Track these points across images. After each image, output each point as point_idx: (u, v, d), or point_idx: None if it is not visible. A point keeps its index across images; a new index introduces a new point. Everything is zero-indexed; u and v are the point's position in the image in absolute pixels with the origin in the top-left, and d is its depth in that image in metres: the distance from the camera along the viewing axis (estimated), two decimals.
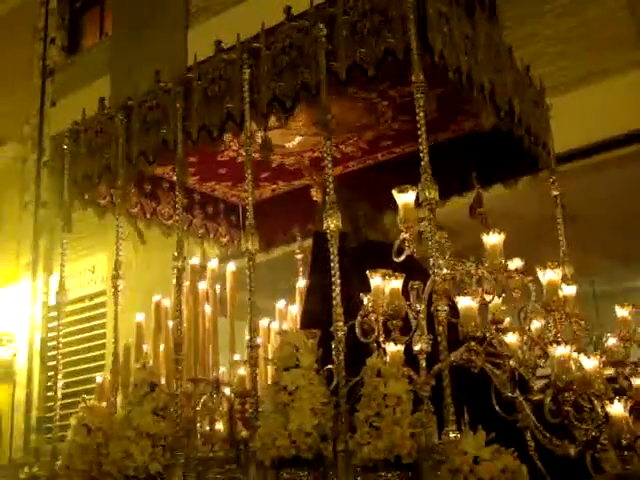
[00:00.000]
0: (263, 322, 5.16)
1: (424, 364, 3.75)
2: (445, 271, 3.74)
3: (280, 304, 5.34)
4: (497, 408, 3.70)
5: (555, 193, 5.12)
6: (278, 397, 3.75)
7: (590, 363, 3.76)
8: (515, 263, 4.60)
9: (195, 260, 4.68)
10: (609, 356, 4.32)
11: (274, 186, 5.84)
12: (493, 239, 3.94)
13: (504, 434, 3.51)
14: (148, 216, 5.47)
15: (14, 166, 13.82)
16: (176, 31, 12.47)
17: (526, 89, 5.01)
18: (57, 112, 13.41)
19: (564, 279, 4.69)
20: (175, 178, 4.67)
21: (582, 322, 4.61)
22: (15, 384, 12.18)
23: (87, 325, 11.40)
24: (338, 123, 5.11)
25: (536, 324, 4.44)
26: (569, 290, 4.57)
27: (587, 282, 8.91)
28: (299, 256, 5.85)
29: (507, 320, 4.17)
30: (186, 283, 4.61)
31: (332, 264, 3.92)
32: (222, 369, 4.73)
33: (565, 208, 5.11)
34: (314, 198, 5.40)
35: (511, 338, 3.82)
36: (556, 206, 5.11)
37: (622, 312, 4.43)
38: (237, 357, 4.61)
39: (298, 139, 5.24)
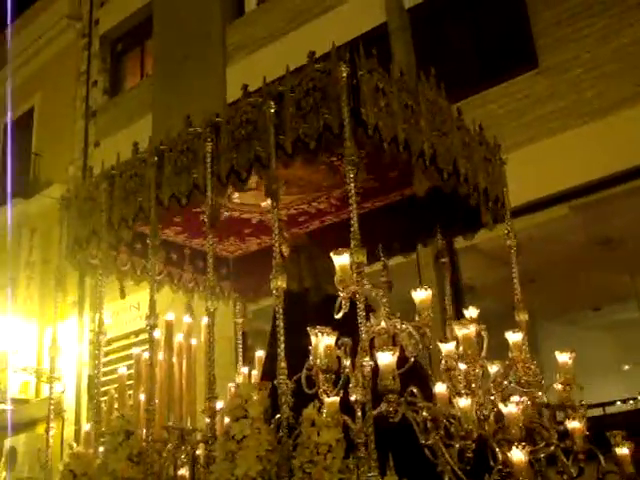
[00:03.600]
0: (244, 369, 5.58)
1: (359, 413, 4.11)
2: (372, 326, 4.10)
3: (259, 352, 5.74)
4: (424, 452, 4.05)
5: (509, 243, 5.44)
6: (227, 445, 4.16)
7: (508, 409, 4.08)
8: (471, 312, 4.96)
9: (170, 316, 5.12)
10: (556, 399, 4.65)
11: (259, 240, 6.27)
12: (421, 294, 4.29)
13: (429, 478, 3.88)
14: (138, 273, 5.93)
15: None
16: (215, 69, 12.95)
17: (477, 148, 5.35)
18: (100, 152, 13.98)
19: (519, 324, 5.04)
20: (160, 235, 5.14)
21: (531, 367, 4.92)
22: (64, 420, 12.61)
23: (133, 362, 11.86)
24: (306, 183, 5.60)
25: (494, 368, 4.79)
26: (516, 337, 4.89)
27: None
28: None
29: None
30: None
31: (277, 321, 4.32)
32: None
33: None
34: (283, 254, 5.80)
35: (440, 388, 4.17)
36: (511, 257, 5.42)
37: (563, 357, 4.73)
38: (220, 405, 5.02)
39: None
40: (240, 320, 6.38)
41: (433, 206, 5.56)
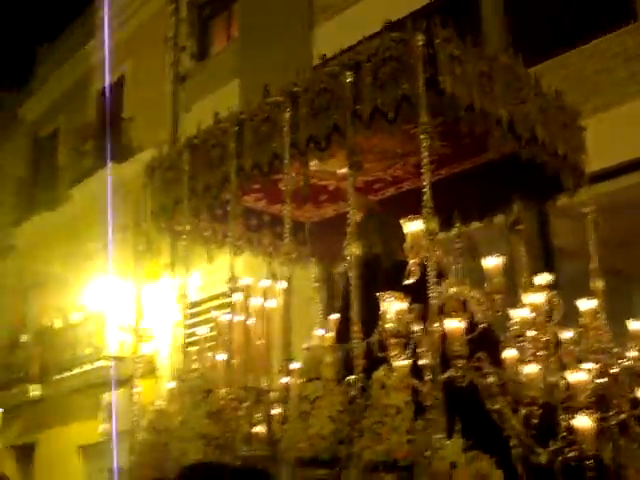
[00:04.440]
0: (320, 332, 5.71)
1: (428, 377, 4.21)
2: (442, 293, 4.18)
3: (334, 316, 5.85)
4: (491, 417, 4.13)
5: (586, 211, 5.40)
6: (300, 405, 4.34)
7: (576, 377, 4.10)
8: (542, 278, 4.97)
9: (247, 280, 5.30)
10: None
11: (334, 206, 6.37)
12: (492, 261, 4.33)
13: (496, 441, 3.96)
14: (220, 238, 6.12)
15: None
16: (300, 32, 13.01)
17: (555, 113, 5.29)
18: (190, 117, 14.05)
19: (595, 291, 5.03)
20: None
21: (603, 334, 4.91)
22: (157, 378, 12.99)
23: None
24: (382, 151, 5.66)
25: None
26: (588, 304, 4.89)
27: None
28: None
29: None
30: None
31: (351, 287, 4.44)
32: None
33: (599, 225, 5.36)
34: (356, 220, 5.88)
35: (509, 354, 4.22)
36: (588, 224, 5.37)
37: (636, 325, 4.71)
38: (295, 366, 5.18)
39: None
40: (317, 284, 6.50)
41: (511, 173, 5.54)
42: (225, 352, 5.15)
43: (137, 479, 5.02)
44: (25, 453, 17.16)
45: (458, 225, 5.84)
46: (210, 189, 5.43)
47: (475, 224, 6.24)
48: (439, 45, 4.50)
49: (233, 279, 5.08)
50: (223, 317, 5.32)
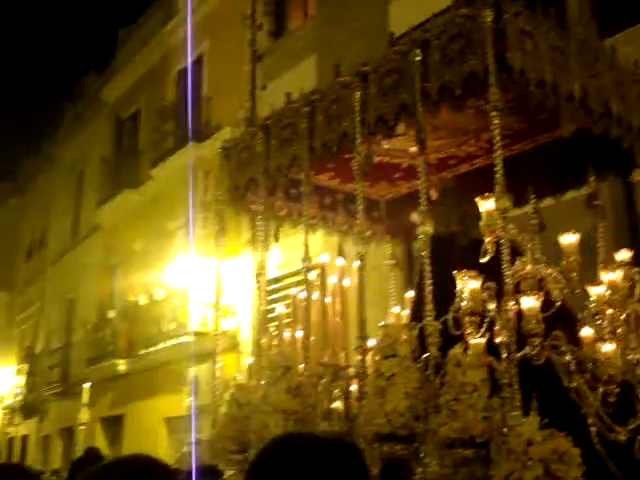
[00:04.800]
0: (395, 309, 5.78)
1: (505, 355, 4.22)
2: (517, 271, 4.17)
3: (410, 293, 5.91)
4: (568, 394, 4.12)
5: None
6: (377, 382, 4.40)
7: None
8: (622, 255, 4.91)
9: (324, 258, 5.38)
10: None
11: (409, 184, 6.37)
12: (568, 239, 4.30)
13: (573, 420, 3.96)
14: (295, 217, 6.21)
15: None
16: (378, 6, 12.95)
17: (632, 86, 5.18)
18: (267, 95, 14.18)
19: None
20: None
21: None
22: (240, 354, 13.36)
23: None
24: (454, 127, 5.64)
25: None
26: None
27: None
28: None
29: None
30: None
31: (425, 266, 4.47)
32: None
33: None
34: (432, 198, 5.88)
35: (586, 332, 4.20)
36: None
37: None
38: (372, 343, 5.26)
39: None
40: (392, 262, 6.54)
41: (586, 147, 5.46)
42: (302, 329, 5.25)
43: (218, 451, 5.17)
44: (114, 424, 17.74)
45: (533, 201, 5.76)
46: (283, 169, 5.51)
47: (551, 200, 6.16)
48: (508, 20, 4.44)
49: (308, 258, 5.16)
50: (300, 295, 5.41)
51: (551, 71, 4.56)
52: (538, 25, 4.60)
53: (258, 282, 5.62)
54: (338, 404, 4.88)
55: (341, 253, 5.74)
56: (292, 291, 5.61)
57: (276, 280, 11.44)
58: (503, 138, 5.58)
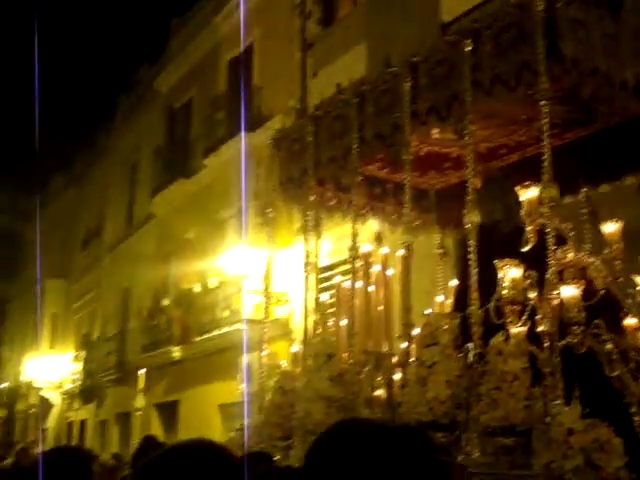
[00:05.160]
0: (440, 298, 5.79)
1: (547, 344, 4.21)
2: (560, 259, 4.15)
3: (453, 282, 5.90)
4: (611, 383, 4.10)
5: None
6: (419, 370, 4.44)
7: None
8: None
9: (367, 247, 5.42)
10: None
11: (458, 173, 6.34)
12: (611, 227, 4.27)
13: (615, 408, 3.94)
14: (344, 207, 6.24)
15: None
16: None
17: None
18: (318, 83, 14.11)
19: None
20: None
21: None
22: (292, 341, 13.46)
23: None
24: (505, 116, 5.61)
25: None
26: None
27: None
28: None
29: None
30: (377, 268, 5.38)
31: (469, 255, 4.48)
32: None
33: None
34: (477, 187, 5.86)
35: (629, 321, 4.17)
36: None
37: None
38: (415, 331, 5.29)
39: None
40: (440, 251, 6.53)
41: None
42: (347, 317, 5.30)
43: (264, 437, 5.26)
44: (169, 410, 18.00)
45: (585, 189, 5.70)
46: (334, 160, 5.55)
47: (607, 186, 6.08)
48: (560, 9, 4.41)
49: (354, 247, 5.20)
50: (345, 284, 5.46)
51: (604, 60, 4.51)
52: (590, 13, 4.55)
53: (306, 271, 5.68)
54: (380, 392, 4.93)
55: (380, 242, 5.77)
56: (336, 279, 5.65)
57: (327, 268, 11.49)
58: (555, 126, 5.57)
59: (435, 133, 5.73)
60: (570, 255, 4.28)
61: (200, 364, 16.35)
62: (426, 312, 4.93)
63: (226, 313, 15.44)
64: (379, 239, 5.81)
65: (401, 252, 5.35)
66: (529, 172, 5.44)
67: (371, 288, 5.36)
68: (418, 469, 1.73)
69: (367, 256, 5.39)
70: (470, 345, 4.41)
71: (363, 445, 1.71)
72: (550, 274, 4.08)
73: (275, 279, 13.76)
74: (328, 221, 6.35)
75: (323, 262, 10.78)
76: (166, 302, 18.28)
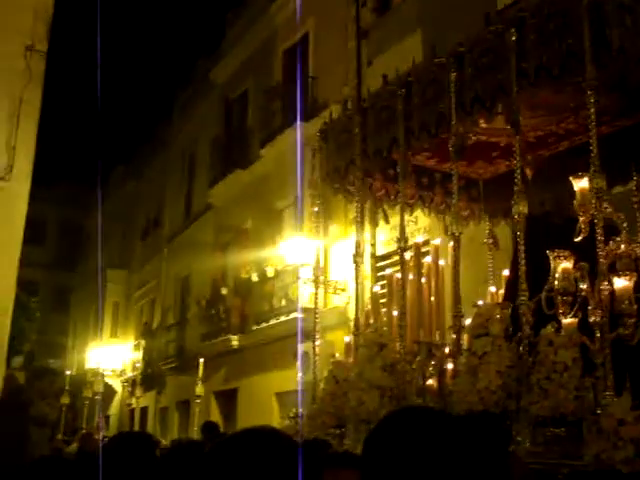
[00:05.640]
0: (492, 289, 5.79)
1: (598, 335, 4.20)
2: (612, 250, 4.14)
3: (505, 272, 5.89)
4: None
5: None
6: (469, 360, 4.47)
7: None
8: None
9: (419, 238, 5.45)
10: None
11: (507, 162, 6.32)
12: None
13: None
14: (392, 198, 6.27)
15: None
16: None
17: None
18: (373, 71, 14.11)
19: None
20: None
21: None
22: (349, 330, 13.46)
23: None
24: (552, 105, 5.57)
25: None
26: None
27: None
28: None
29: None
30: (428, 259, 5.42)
31: (519, 246, 4.49)
32: None
33: None
34: (528, 177, 5.83)
35: None
36: None
37: None
38: (467, 321, 5.30)
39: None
40: (490, 241, 6.52)
41: None
42: (398, 308, 5.35)
43: (317, 425, 5.34)
44: (228, 398, 18.23)
45: (635, 178, 5.64)
46: (380, 151, 5.59)
47: None
48: None
49: (404, 238, 5.24)
50: (396, 275, 5.51)
51: None
52: None
53: (355, 262, 5.73)
54: (432, 381, 4.97)
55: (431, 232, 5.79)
56: (388, 271, 5.70)
57: (383, 258, 11.51)
58: (604, 114, 5.52)
59: (482, 122, 5.72)
60: (623, 246, 4.25)
61: (258, 352, 16.50)
62: (477, 302, 4.93)
63: (283, 302, 15.56)
64: (430, 229, 5.83)
65: (450, 243, 5.38)
66: (579, 161, 5.43)
67: (423, 279, 5.40)
68: (487, 457, 1.76)
69: (418, 247, 5.42)
70: (521, 335, 4.41)
71: (429, 431, 1.70)
72: (601, 265, 4.07)
73: (333, 268, 13.90)
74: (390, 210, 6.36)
75: (381, 251, 10.81)
76: (224, 291, 18.46)
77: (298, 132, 15.55)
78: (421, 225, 8.15)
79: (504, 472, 1.85)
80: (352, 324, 13.22)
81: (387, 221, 6.12)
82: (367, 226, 13.72)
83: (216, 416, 17.83)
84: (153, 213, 26.44)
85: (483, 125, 5.75)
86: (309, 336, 14.14)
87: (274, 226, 16.65)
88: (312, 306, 14.05)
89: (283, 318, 15.21)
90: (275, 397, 16.10)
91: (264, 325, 16.01)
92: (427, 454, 1.65)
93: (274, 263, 15.92)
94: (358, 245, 5.71)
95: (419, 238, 5.48)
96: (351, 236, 13.36)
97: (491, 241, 6.50)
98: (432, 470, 1.63)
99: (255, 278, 16.85)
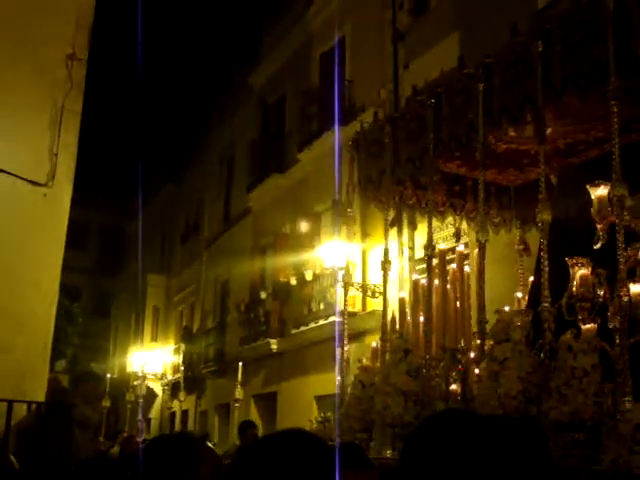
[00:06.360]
0: (518, 294, 5.85)
1: (618, 340, 4.24)
2: (631, 256, 4.18)
3: (531, 278, 5.94)
4: None
5: None
6: (491, 366, 4.54)
7: None
8: None
9: (443, 245, 5.53)
10: None
11: (538, 170, 6.34)
12: None
13: None
14: (423, 205, 6.35)
15: None
16: None
17: None
18: (410, 74, 14.00)
19: None
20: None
21: None
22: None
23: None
24: (581, 113, 5.61)
25: None
26: None
27: None
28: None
29: None
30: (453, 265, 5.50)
31: (542, 252, 4.55)
32: None
33: None
34: (554, 183, 5.88)
35: None
36: None
37: None
38: None
39: (548, 130, 5.71)
40: (520, 247, 6.55)
41: None
42: (424, 314, 5.43)
43: (345, 430, 5.45)
44: (267, 402, 18.36)
45: None
46: (411, 160, 5.67)
47: None
48: (632, 4, 4.40)
49: (430, 245, 5.32)
50: (423, 280, 5.60)
51: None
52: None
53: (383, 269, 5.83)
54: (455, 386, 5.04)
55: (459, 239, 5.86)
56: (414, 277, 5.79)
57: (419, 262, 11.55)
58: (630, 122, 5.53)
59: (511, 131, 5.78)
60: None
61: (297, 356, 16.60)
62: (502, 309, 5.00)
63: (322, 305, 15.63)
64: (458, 236, 5.90)
65: (478, 249, 5.45)
66: (606, 168, 5.45)
67: (448, 285, 5.48)
68: (531, 460, 1.75)
69: (444, 253, 5.50)
70: (542, 341, 4.47)
71: (473, 434, 1.68)
72: (620, 271, 4.12)
73: (372, 272, 13.93)
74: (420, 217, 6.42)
75: (418, 255, 10.85)
76: (263, 295, 18.59)
77: (336, 136, 15.64)
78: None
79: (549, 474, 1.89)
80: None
81: (414, 228, 6.21)
82: (405, 230, 13.92)
83: (256, 419, 17.92)
84: (192, 218, 26.73)
85: (512, 134, 5.80)
86: (349, 340, 14.26)
87: (312, 230, 16.74)
88: (351, 309, 14.28)
89: (322, 322, 15.27)
90: (314, 400, 16.17)
91: (303, 329, 16.09)
92: (472, 456, 1.64)
93: (312, 266, 16.00)
94: (386, 252, 5.80)
95: (460, 247, 5.56)
96: (389, 240, 13.54)
97: (522, 247, 6.53)
98: (480, 472, 1.63)
99: (294, 282, 16.95)
